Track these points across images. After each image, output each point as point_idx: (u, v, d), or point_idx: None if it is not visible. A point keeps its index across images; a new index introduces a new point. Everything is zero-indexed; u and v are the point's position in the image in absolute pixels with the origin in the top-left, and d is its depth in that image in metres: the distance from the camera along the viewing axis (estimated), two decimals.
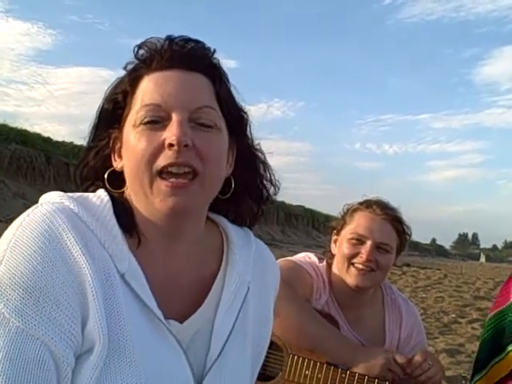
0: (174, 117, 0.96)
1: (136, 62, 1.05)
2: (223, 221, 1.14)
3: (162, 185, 0.95)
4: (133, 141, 0.98)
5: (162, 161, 0.95)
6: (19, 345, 0.82)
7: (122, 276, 0.92)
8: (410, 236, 2.16)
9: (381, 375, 1.86)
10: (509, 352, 1.72)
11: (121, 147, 1.04)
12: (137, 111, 0.98)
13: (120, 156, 1.05)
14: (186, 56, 1.02)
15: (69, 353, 0.85)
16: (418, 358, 1.86)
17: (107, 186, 1.04)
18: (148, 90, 1.00)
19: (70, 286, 0.86)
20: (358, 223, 2.08)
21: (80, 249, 0.88)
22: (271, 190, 1.16)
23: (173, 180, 0.95)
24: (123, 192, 1.05)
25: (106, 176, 1.05)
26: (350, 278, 2.05)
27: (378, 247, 2.04)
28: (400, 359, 1.86)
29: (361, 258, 2.03)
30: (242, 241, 1.14)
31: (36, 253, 0.86)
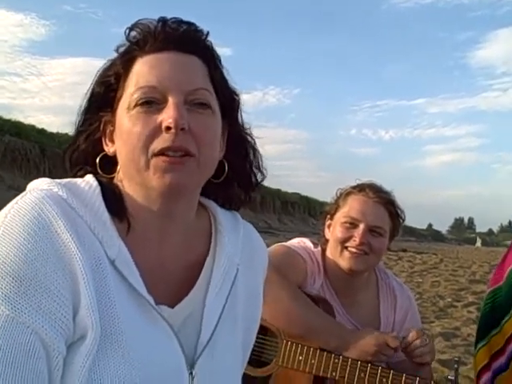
0: (171, 99, 0.96)
1: (128, 44, 1.03)
2: (212, 204, 1.14)
3: (159, 161, 0.94)
4: (127, 124, 0.97)
5: (158, 144, 0.94)
6: (9, 332, 0.81)
7: (112, 262, 0.92)
8: (403, 220, 2.17)
9: (374, 359, 1.88)
10: (503, 325, 1.87)
11: (113, 131, 1.03)
12: (131, 93, 0.97)
13: (111, 140, 1.04)
14: (180, 38, 1.01)
15: (60, 341, 0.84)
16: (413, 334, 1.88)
17: (98, 170, 1.03)
18: (142, 72, 0.99)
19: (61, 273, 0.85)
20: (350, 207, 2.09)
21: (70, 235, 0.88)
22: (259, 176, 1.16)
23: (171, 157, 0.94)
24: (113, 177, 1.04)
25: (97, 160, 1.04)
26: (344, 261, 2.06)
27: (371, 230, 2.05)
28: (392, 342, 1.87)
29: (354, 241, 2.04)
30: (230, 224, 1.14)
31: (26, 240, 0.85)
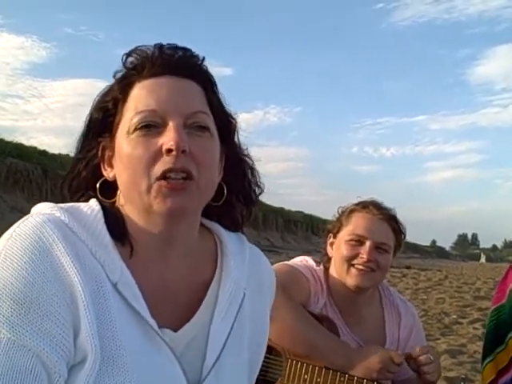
0: (171, 122, 0.96)
1: (125, 69, 1.04)
2: (217, 227, 1.14)
3: (161, 186, 0.94)
4: (127, 148, 0.97)
5: (160, 167, 0.94)
6: (11, 356, 0.81)
7: (115, 285, 0.91)
8: (405, 235, 2.17)
9: (379, 377, 1.86)
10: (508, 342, 1.92)
11: (111, 156, 1.03)
12: (130, 118, 0.98)
13: (110, 165, 1.04)
14: (176, 63, 1.02)
15: (61, 364, 0.84)
16: (418, 350, 1.88)
17: (99, 195, 1.03)
18: (141, 96, 0.99)
19: (61, 296, 0.85)
20: (355, 224, 2.09)
21: (70, 259, 0.88)
22: (257, 191, 1.16)
23: (172, 181, 0.94)
24: (115, 201, 1.04)
25: (97, 186, 1.04)
26: (351, 279, 2.05)
27: (377, 247, 2.05)
28: (396, 358, 1.86)
29: (361, 258, 2.03)
30: (236, 247, 1.13)
31: (26, 264, 0.85)
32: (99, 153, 1.05)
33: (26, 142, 29.17)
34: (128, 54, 1.05)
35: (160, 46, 1.04)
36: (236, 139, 1.12)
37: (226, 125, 1.08)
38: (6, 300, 0.83)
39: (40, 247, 0.87)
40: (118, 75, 1.05)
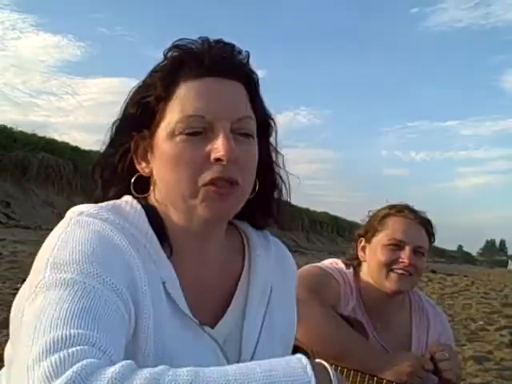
0: (220, 129, 0.95)
1: (169, 65, 1.01)
2: (243, 224, 1.15)
3: (209, 191, 0.95)
4: (173, 151, 0.96)
5: (208, 174, 0.95)
6: (94, 291, 0.79)
7: (163, 283, 0.93)
8: (435, 239, 2.19)
9: (408, 381, 1.88)
10: None
11: (147, 152, 1.03)
12: (177, 120, 0.96)
13: (145, 160, 1.04)
14: (224, 63, 1.00)
15: (129, 302, 0.85)
16: (433, 347, 1.92)
17: (132, 191, 1.04)
18: (189, 98, 0.97)
19: (124, 272, 0.86)
20: (393, 229, 2.10)
21: (133, 252, 0.89)
22: (284, 193, 1.16)
23: (220, 187, 0.95)
24: (146, 197, 1.04)
25: (132, 181, 1.04)
26: (390, 283, 2.07)
27: (416, 251, 2.07)
28: (427, 365, 1.88)
29: (402, 263, 2.05)
30: (261, 242, 1.15)
31: (93, 239, 0.87)
32: (132, 146, 1.04)
33: (59, 138, 29.50)
34: (172, 49, 1.02)
35: (208, 43, 1.01)
36: (272, 140, 1.12)
37: (265, 126, 1.08)
38: (71, 264, 0.82)
39: (103, 233, 0.89)
40: (161, 71, 1.01)
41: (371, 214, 2.25)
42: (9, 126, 24.27)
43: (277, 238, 1.23)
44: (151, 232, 0.97)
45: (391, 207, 2.19)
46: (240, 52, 1.04)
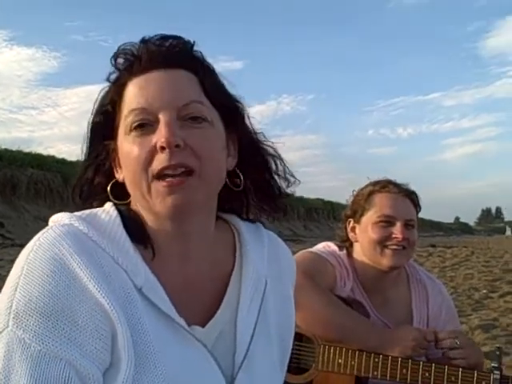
0: (162, 118, 0.95)
1: (117, 71, 1.03)
2: (233, 217, 1.13)
3: (159, 186, 0.93)
4: (126, 148, 0.97)
5: (156, 165, 0.93)
6: (43, 367, 0.81)
7: (140, 290, 0.91)
8: (421, 208, 2.18)
9: (413, 354, 1.87)
10: None
11: (119, 158, 1.02)
12: (125, 117, 0.98)
13: (120, 166, 1.03)
14: (164, 54, 1.00)
15: (95, 370, 0.84)
16: (445, 333, 1.89)
17: (111, 198, 1.03)
18: (132, 95, 0.98)
19: (88, 307, 0.85)
20: (381, 205, 2.09)
21: (90, 272, 0.87)
22: (284, 184, 1.13)
23: (169, 179, 0.93)
24: (129, 203, 1.03)
25: (108, 189, 1.04)
26: (386, 260, 2.05)
27: (406, 224, 2.06)
28: (428, 336, 1.88)
29: (395, 238, 2.03)
30: (253, 236, 1.12)
31: (49, 277, 0.85)
32: (110, 156, 1.04)
33: (44, 152, 29.51)
34: (116, 56, 1.03)
35: (145, 41, 1.02)
36: (247, 123, 1.09)
37: (229, 109, 1.05)
38: (33, 314, 0.83)
39: (60, 259, 0.87)
40: (112, 77, 1.04)
41: (355, 193, 2.23)
42: None
43: (273, 228, 1.19)
44: (124, 238, 0.95)
45: (374, 184, 2.17)
46: (183, 41, 1.04)
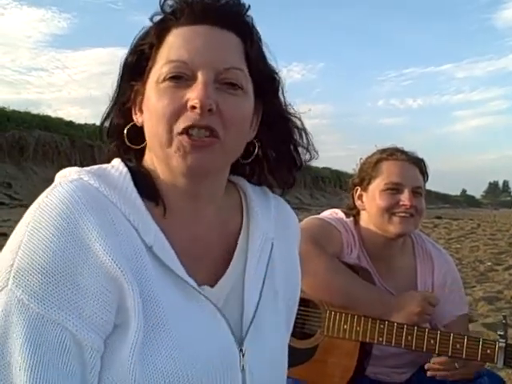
0: (200, 77, 0.92)
1: (163, 14, 0.99)
2: (241, 180, 1.12)
3: (182, 140, 0.91)
4: (155, 97, 0.94)
5: (182, 122, 0.91)
6: (39, 331, 0.80)
7: (150, 248, 0.90)
8: (428, 177, 2.17)
9: (419, 320, 1.88)
10: None
11: (142, 101, 1.00)
12: (161, 66, 0.94)
13: (141, 110, 1.01)
14: (218, 11, 0.97)
15: (93, 337, 0.83)
16: (442, 359, 1.87)
17: (126, 141, 1.02)
18: (175, 44, 0.95)
19: (94, 268, 0.83)
20: (389, 172, 2.07)
21: (101, 230, 0.85)
22: (306, 157, 1.12)
23: (194, 137, 0.91)
24: (143, 148, 1.02)
25: (125, 131, 1.02)
26: (394, 227, 2.04)
27: (414, 192, 2.05)
28: (433, 300, 1.92)
29: (403, 205, 2.02)
30: (260, 198, 1.12)
31: (55, 236, 0.83)
32: (132, 96, 1.02)
33: (53, 114, 29.53)
34: None
35: None
36: (280, 95, 1.08)
37: (265, 80, 1.03)
38: (34, 273, 0.81)
39: (68, 218, 0.84)
40: (156, 18, 1.00)
41: (362, 161, 2.21)
42: (1, 105, 24.17)
43: (280, 196, 1.19)
44: (135, 195, 0.93)
45: (382, 151, 2.15)
46: (238, 3, 1.01)
